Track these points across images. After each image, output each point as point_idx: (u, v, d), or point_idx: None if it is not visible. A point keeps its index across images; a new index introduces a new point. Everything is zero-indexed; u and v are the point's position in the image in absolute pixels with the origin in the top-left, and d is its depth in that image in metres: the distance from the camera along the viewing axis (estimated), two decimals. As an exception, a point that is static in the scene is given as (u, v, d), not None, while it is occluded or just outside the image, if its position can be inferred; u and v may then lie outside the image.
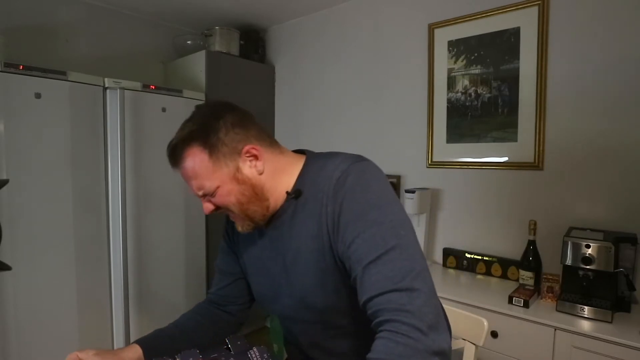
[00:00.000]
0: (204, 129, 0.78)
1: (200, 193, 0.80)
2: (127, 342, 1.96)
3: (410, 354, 0.58)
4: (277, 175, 0.83)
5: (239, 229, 0.85)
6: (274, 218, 0.85)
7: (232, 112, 0.82)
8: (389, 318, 0.61)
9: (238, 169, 0.79)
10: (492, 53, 1.88)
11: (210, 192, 0.79)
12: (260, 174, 0.81)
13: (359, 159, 0.78)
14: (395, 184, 2.21)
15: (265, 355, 0.83)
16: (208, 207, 0.82)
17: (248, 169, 0.80)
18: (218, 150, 0.78)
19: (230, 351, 0.85)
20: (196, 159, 0.78)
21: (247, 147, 0.80)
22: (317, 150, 0.89)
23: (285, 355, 1.05)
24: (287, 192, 0.83)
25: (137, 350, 0.87)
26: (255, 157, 0.81)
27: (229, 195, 0.79)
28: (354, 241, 0.70)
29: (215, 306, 1.02)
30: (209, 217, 2.40)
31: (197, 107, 0.85)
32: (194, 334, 0.97)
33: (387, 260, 0.66)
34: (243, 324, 1.04)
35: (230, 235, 1.00)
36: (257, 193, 0.81)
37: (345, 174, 0.74)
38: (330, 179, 0.75)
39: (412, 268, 0.65)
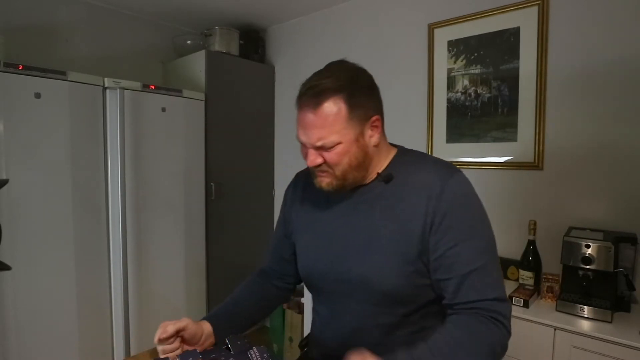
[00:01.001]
0: (353, 85, 0.80)
1: (319, 144, 0.80)
2: (127, 342, 1.96)
3: (499, 337, 0.75)
4: (380, 153, 0.88)
5: (324, 185, 0.85)
6: (357, 192, 0.88)
7: (371, 79, 0.85)
8: (493, 316, 0.76)
9: (362, 133, 0.82)
10: (492, 53, 1.88)
11: (330, 146, 0.80)
12: (375, 145, 0.85)
13: (454, 169, 0.84)
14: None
15: (265, 355, 0.83)
16: (316, 160, 0.82)
17: (368, 137, 0.83)
18: (357, 109, 0.80)
19: (230, 351, 0.85)
20: (335, 110, 0.78)
21: (375, 117, 0.83)
22: None
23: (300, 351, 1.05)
24: (378, 173, 0.87)
25: (208, 327, 0.91)
26: (377, 128, 0.84)
27: (345, 154, 0.81)
28: (457, 245, 0.78)
29: (266, 280, 1.05)
30: (208, 217, 2.40)
31: (339, 63, 0.85)
32: (252, 310, 1.00)
33: (488, 270, 0.78)
34: (287, 301, 1.09)
35: (290, 203, 1.02)
36: (365, 161, 0.84)
37: (452, 179, 0.81)
38: (435, 179, 0.81)
39: (502, 279, 0.81)
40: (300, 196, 1.00)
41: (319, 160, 0.82)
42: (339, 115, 0.79)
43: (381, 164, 0.88)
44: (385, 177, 0.86)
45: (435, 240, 0.79)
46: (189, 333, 0.85)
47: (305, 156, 0.84)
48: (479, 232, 0.80)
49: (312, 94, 0.79)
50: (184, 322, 0.85)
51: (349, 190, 0.88)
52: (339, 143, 0.80)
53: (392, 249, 0.81)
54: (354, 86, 0.80)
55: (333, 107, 0.78)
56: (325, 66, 0.85)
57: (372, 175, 0.87)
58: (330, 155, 0.81)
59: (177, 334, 0.84)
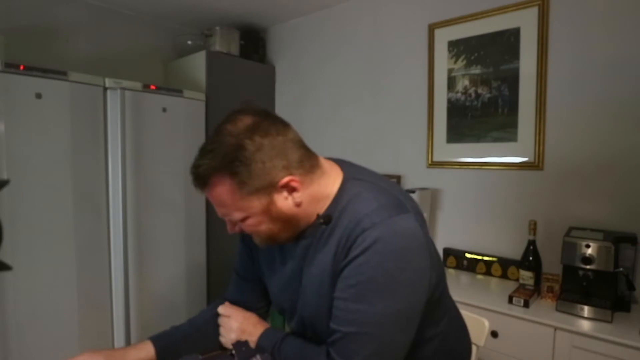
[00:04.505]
0: (237, 159, 0.68)
1: (227, 218, 0.76)
2: (128, 342, 1.96)
3: None
4: (313, 203, 0.76)
5: (259, 245, 0.82)
6: (301, 236, 0.81)
7: (269, 134, 0.70)
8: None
9: (272, 202, 0.72)
10: (492, 53, 1.88)
11: (237, 220, 0.75)
12: (298, 205, 0.74)
13: (396, 210, 0.71)
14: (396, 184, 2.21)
15: None
16: (232, 229, 0.78)
17: (284, 201, 0.73)
18: (250, 184, 0.70)
19: (234, 357, 0.85)
20: (223, 190, 0.71)
21: (285, 180, 0.71)
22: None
23: None
24: (318, 215, 0.77)
25: (149, 350, 0.86)
26: (294, 189, 0.73)
27: (259, 225, 0.75)
28: (342, 298, 0.71)
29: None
30: (209, 217, 2.40)
31: (231, 120, 0.72)
32: (211, 334, 0.94)
33: (356, 340, 0.69)
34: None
35: (247, 241, 0.95)
36: (291, 222, 0.76)
37: (374, 230, 0.68)
38: (358, 224, 0.70)
39: (367, 356, 0.69)
40: None
41: (235, 230, 0.77)
42: (231, 193, 0.70)
43: (323, 205, 0.77)
44: (325, 220, 0.76)
45: (337, 286, 0.73)
46: None
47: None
48: (370, 302, 0.68)
49: (195, 176, 0.72)
50: (83, 357, 0.80)
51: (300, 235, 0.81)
52: (246, 217, 0.73)
53: (327, 294, 0.76)
54: (238, 160, 0.68)
55: (220, 187, 0.70)
56: (221, 122, 0.73)
57: (313, 218, 0.78)
58: (245, 226, 0.75)
59: None
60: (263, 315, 0.99)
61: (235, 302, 0.96)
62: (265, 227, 0.75)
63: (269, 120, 0.73)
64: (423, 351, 0.82)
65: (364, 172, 0.83)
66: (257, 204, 0.72)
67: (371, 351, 0.69)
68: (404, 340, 0.73)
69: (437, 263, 0.81)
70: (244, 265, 0.98)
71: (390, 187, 0.80)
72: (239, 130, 0.70)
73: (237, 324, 0.89)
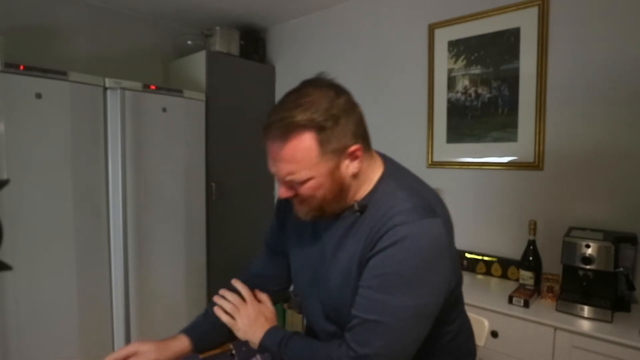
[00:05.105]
0: (327, 117, 0.72)
1: (288, 178, 0.75)
2: (128, 342, 1.96)
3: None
4: (360, 182, 0.80)
5: (302, 216, 0.82)
6: (336, 219, 0.84)
7: (349, 101, 0.77)
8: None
9: (337, 166, 0.76)
10: (492, 53, 1.88)
11: (300, 181, 0.75)
12: (354, 176, 0.78)
13: (427, 213, 0.74)
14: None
15: None
16: (286, 193, 0.78)
17: (345, 168, 0.77)
18: (330, 144, 0.73)
19: (235, 358, 0.85)
20: (303, 147, 0.72)
21: (354, 147, 0.76)
22: None
23: None
24: (355, 202, 0.80)
25: (186, 342, 0.89)
26: (356, 158, 0.77)
27: (318, 189, 0.76)
28: (366, 287, 0.74)
29: (256, 283, 1.00)
30: (209, 217, 2.40)
31: (315, 85, 0.77)
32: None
33: (373, 328, 0.71)
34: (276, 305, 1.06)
35: (282, 215, 0.99)
36: (342, 193, 0.79)
37: (404, 227, 0.71)
38: (390, 219, 0.73)
39: (382, 350, 0.71)
40: (291, 214, 0.96)
41: (290, 194, 0.78)
42: (310, 151, 0.72)
43: (364, 190, 0.81)
44: (360, 209, 0.79)
45: (363, 275, 0.76)
46: (143, 358, 0.83)
47: (279, 188, 0.80)
48: (392, 293, 0.71)
49: (280, 126, 0.72)
50: (133, 346, 0.85)
51: (333, 217, 0.84)
52: (310, 178, 0.74)
53: (354, 281, 0.79)
54: (328, 118, 0.72)
55: (303, 143, 0.72)
56: (299, 86, 0.78)
57: (351, 202, 0.81)
58: (302, 190, 0.76)
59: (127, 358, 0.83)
60: (282, 292, 1.03)
61: (260, 275, 1.01)
62: (321, 192, 0.76)
63: (345, 90, 0.79)
64: (433, 347, 0.84)
65: (402, 172, 0.86)
66: (326, 166, 0.74)
67: (385, 342, 0.71)
68: (417, 336, 0.74)
69: (457, 268, 0.85)
70: (274, 239, 1.01)
71: (424, 190, 0.82)
72: (328, 92, 0.75)
73: (254, 313, 0.89)
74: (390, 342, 0.71)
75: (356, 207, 0.80)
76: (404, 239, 0.71)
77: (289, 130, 0.72)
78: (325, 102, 0.73)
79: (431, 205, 0.77)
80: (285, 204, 0.96)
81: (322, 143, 0.72)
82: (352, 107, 0.77)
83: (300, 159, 0.73)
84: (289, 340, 0.82)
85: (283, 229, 0.99)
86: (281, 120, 0.72)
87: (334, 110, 0.73)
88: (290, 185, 0.77)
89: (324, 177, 0.75)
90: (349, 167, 0.77)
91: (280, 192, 0.79)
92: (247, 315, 0.90)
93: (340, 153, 0.75)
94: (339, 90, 0.77)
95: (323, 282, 0.86)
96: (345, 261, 0.80)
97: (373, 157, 0.84)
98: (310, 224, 0.89)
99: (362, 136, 0.78)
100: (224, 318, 0.91)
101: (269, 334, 0.85)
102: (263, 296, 0.96)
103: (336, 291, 0.82)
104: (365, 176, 0.81)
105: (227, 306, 0.92)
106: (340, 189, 0.78)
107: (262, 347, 0.84)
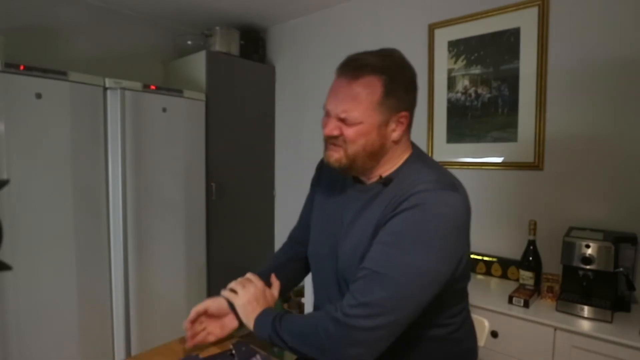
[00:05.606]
0: (396, 73, 0.79)
1: (342, 115, 0.79)
2: (128, 342, 1.96)
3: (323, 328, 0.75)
4: (396, 152, 0.85)
5: (332, 160, 0.84)
6: (362, 187, 0.88)
7: (415, 78, 0.84)
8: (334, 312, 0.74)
9: (386, 123, 0.81)
10: (492, 53, 1.88)
11: (352, 122, 0.79)
12: (394, 141, 0.83)
13: (449, 187, 0.77)
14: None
15: None
16: (334, 130, 0.81)
17: (391, 130, 0.82)
18: (391, 97, 0.79)
19: (234, 357, 0.85)
20: (368, 89, 0.78)
21: (406, 112, 0.82)
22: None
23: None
24: (380, 176, 0.86)
25: (276, 284, 0.98)
26: (402, 125, 0.82)
27: (363, 136, 0.79)
28: (379, 242, 0.76)
29: (297, 244, 1.10)
30: (209, 217, 2.40)
31: (392, 50, 0.86)
32: (289, 271, 1.06)
33: (378, 280, 0.72)
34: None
35: (316, 185, 1.05)
36: (380, 152, 0.83)
37: (426, 193, 0.75)
38: (414, 186, 0.77)
39: (390, 304, 0.71)
40: (325, 177, 1.02)
41: (336, 132, 0.81)
42: (372, 95, 0.78)
43: (393, 165, 0.86)
44: (384, 181, 0.84)
45: (379, 234, 0.79)
46: (213, 309, 0.92)
47: (325, 125, 0.83)
48: (403, 251, 0.73)
49: (353, 65, 0.79)
50: (205, 304, 0.92)
51: (356, 189, 0.89)
52: (360, 122, 0.78)
53: (361, 239, 0.82)
54: (397, 74, 0.79)
55: (369, 85, 0.77)
56: (370, 52, 0.84)
57: (378, 174, 0.86)
58: (348, 131, 0.80)
59: (201, 316, 0.92)
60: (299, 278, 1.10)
61: (299, 241, 1.08)
62: (363, 141, 0.80)
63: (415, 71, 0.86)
64: (436, 333, 0.85)
65: (428, 158, 0.92)
66: (379, 118, 0.79)
67: (387, 294, 0.71)
68: (420, 299, 0.73)
69: (469, 251, 0.86)
70: (307, 208, 1.09)
71: (448, 173, 0.86)
72: (405, 61, 0.84)
73: (253, 291, 0.92)
74: (392, 295, 0.71)
75: (382, 180, 0.84)
76: (424, 204, 0.74)
77: (362, 69, 0.78)
78: (401, 64, 0.82)
79: (455, 183, 0.81)
80: (319, 174, 1.05)
81: (386, 92, 0.78)
82: (415, 85, 0.84)
83: (363, 99, 0.78)
84: (284, 315, 0.83)
85: (313, 202, 1.04)
86: (356, 60, 0.79)
87: (406, 74, 0.82)
88: (340, 124, 0.80)
89: (372, 127, 0.79)
90: (394, 130, 0.82)
91: (329, 127, 0.81)
92: (251, 292, 0.91)
93: (393, 112, 0.80)
94: (411, 65, 0.85)
95: (339, 250, 0.88)
96: (363, 226, 0.83)
97: (408, 140, 0.89)
98: (335, 198, 0.94)
99: (412, 113, 0.85)
100: (226, 293, 0.93)
101: (265, 311, 0.86)
102: (274, 283, 1.01)
103: (349, 252, 0.84)
104: (400, 150, 0.86)
105: (233, 283, 0.95)
106: (380, 146, 0.82)
107: (257, 322, 0.85)
